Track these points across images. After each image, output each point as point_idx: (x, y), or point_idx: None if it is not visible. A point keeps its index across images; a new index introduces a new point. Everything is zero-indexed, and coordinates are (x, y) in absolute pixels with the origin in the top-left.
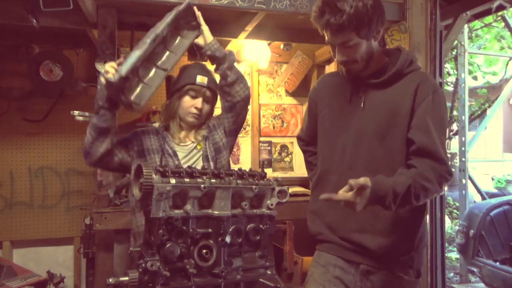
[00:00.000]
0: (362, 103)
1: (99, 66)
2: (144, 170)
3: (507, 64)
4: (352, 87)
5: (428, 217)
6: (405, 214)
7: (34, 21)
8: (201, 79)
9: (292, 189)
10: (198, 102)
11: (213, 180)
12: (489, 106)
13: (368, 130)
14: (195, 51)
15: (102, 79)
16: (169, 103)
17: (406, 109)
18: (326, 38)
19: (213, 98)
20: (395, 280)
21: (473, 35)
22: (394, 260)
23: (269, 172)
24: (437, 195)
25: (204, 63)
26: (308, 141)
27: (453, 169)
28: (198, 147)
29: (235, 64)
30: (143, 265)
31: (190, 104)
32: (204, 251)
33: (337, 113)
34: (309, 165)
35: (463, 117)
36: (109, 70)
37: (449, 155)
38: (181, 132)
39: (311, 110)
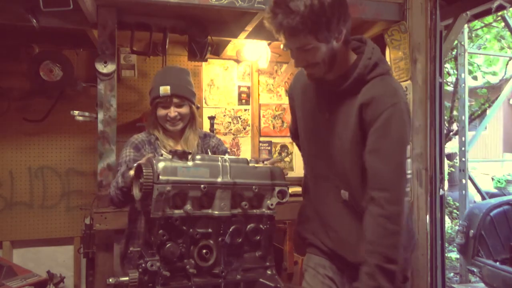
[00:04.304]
0: (327, 113)
1: (99, 66)
2: (144, 170)
3: (507, 64)
4: (318, 91)
5: (428, 217)
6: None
7: (34, 21)
8: (163, 90)
9: (292, 189)
10: (170, 111)
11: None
12: (489, 106)
13: (332, 144)
14: (195, 51)
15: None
16: (149, 115)
17: (356, 125)
18: (283, 41)
19: (185, 99)
20: None
21: (473, 35)
22: None
23: None
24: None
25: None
26: (297, 135)
27: (453, 169)
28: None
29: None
30: (143, 265)
31: (164, 114)
32: (204, 251)
33: (308, 118)
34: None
35: (463, 117)
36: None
37: (409, 176)
38: (169, 140)
39: (291, 107)
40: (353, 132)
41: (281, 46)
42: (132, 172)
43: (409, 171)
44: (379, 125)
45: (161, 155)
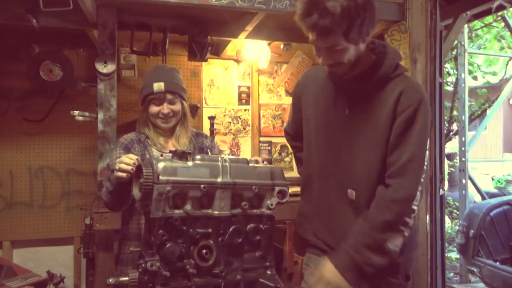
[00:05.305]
0: (347, 110)
1: (99, 66)
2: (144, 170)
3: (507, 64)
4: (336, 88)
5: (428, 217)
6: None
7: (34, 21)
8: (157, 86)
9: (292, 189)
10: (164, 107)
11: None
12: (489, 106)
13: (352, 141)
14: (195, 51)
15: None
16: (141, 113)
17: (387, 120)
18: (311, 38)
19: (178, 96)
20: (383, 282)
21: (473, 35)
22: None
23: None
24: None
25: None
26: (294, 135)
27: (453, 169)
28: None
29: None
30: (143, 265)
31: (157, 110)
32: (204, 251)
33: (322, 115)
34: (298, 160)
35: (463, 117)
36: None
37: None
38: (160, 138)
39: (296, 104)
40: (384, 128)
41: (281, 46)
42: (118, 174)
43: (426, 162)
44: (407, 116)
45: (161, 154)
